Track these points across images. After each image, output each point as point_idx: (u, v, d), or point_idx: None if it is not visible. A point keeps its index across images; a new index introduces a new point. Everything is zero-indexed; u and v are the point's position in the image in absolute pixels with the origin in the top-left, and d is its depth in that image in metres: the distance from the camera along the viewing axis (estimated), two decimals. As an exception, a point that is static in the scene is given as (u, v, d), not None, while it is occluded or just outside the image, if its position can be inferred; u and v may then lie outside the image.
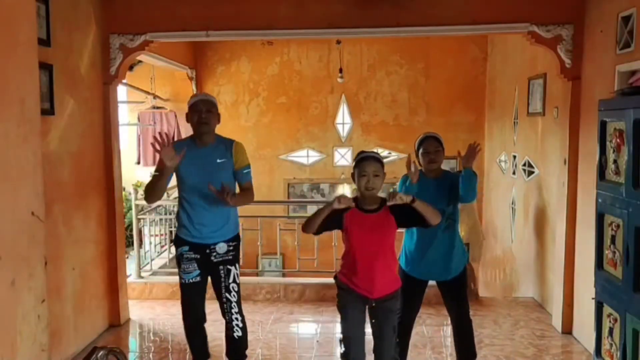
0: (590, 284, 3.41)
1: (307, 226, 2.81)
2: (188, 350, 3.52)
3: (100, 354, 1.88)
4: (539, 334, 4.45)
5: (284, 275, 6.61)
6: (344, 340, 2.90)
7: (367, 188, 2.80)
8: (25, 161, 1.65)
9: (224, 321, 3.38)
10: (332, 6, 4.44)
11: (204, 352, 3.50)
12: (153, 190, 3.23)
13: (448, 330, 4.55)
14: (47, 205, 2.01)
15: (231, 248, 3.29)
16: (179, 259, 3.31)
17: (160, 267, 6.06)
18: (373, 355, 2.98)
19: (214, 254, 3.26)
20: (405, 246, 3.49)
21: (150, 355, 4.16)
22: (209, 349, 3.56)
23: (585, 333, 4.11)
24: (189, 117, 3.22)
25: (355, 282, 2.84)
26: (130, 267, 5.45)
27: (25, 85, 1.67)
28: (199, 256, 3.27)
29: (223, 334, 3.43)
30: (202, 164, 3.18)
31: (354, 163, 2.92)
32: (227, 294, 3.29)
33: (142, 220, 6.17)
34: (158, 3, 4.52)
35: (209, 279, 3.35)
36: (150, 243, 6.41)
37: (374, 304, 2.87)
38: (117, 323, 4.66)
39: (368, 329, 2.95)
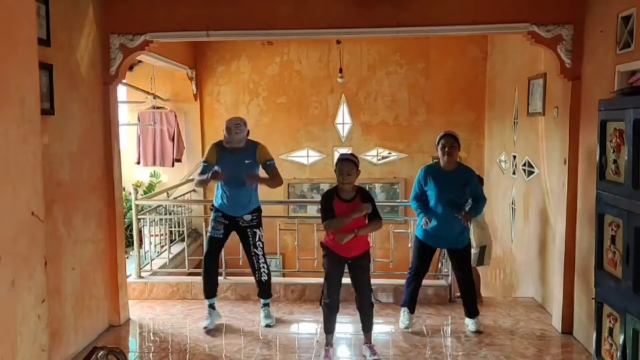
0: (590, 284, 3.42)
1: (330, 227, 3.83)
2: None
3: (100, 354, 1.88)
4: (539, 334, 4.45)
5: (283, 275, 6.61)
6: (326, 287, 3.88)
7: (343, 182, 3.78)
8: (25, 161, 1.65)
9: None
10: (332, 6, 4.44)
11: (213, 290, 4.59)
12: (203, 184, 4.60)
13: (448, 330, 4.56)
14: (47, 205, 2.01)
15: (254, 217, 4.48)
16: (213, 220, 4.49)
17: (160, 267, 6.06)
18: (355, 302, 3.94)
19: (242, 221, 4.45)
20: (421, 222, 4.35)
21: (150, 355, 4.16)
22: (216, 291, 4.66)
23: (585, 333, 4.11)
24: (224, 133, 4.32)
25: (336, 246, 3.83)
26: (130, 267, 5.45)
27: (25, 85, 1.67)
28: (227, 222, 4.47)
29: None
30: (235, 164, 4.30)
31: (335, 164, 3.84)
32: (254, 249, 4.49)
33: (142, 220, 6.16)
34: (158, 3, 4.52)
35: (227, 246, 4.62)
36: (150, 243, 6.41)
37: (350, 262, 3.88)
38: (117, 323, 4.66)
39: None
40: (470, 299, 4.45)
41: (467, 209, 4.30)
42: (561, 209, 4.41)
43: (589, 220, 3.91)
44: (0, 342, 1.53)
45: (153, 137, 8.10)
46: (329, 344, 3.96)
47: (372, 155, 8.28)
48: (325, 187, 8.46)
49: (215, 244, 4.51)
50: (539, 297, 5.23)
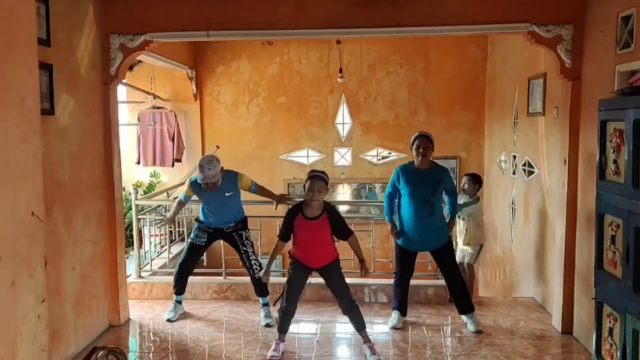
0: (590, 284, 3.42)
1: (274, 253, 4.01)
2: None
3: (100, 354, 1.88)
4: (539, 334, 4.44)
5: (284, 275, 6.60)
6: (286, 290, 3.93)
7: (312, 199, 3.79)
8: (25, 161, 1.65)
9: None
10: (332, 6, 4.44)
11: (183, 285, 4.76)
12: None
13: (448, 330, 4.56)
14: (47, 205, 2.01)
15: (239, 223, 4.64)
16: (196, 230, 4.64)
17: (160, 267, 6.06)
18: (340, 308, 3.98)
19: (226, 227, 4.61)
20: (400, 226, 4.43)
21: (150, 355, 4.15)
22: (185, 289, 4.81)
23: (585, 333, 4.11)
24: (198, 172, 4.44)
25: (301, 256, 3.93)
26: (130, 267, 5.45)
27: (25, 85, 1.67)
28: (212, 230, 4.61)
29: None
30: (217, 199, 4.51)
31: (306, 178, 3.87)
32: (243, 248, 4.61)
33: (142, 220, 6.16)
34: (158, 3, 4.52)
35: (227, 246, 4.85)
36: (150, 243, 6.40)
37: (315, 271, 3.95)
38: (117, 323, 4.66)
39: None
40: (461, 295, 4.46)
41: (447, 219, 4.49)
42: (561, 209, 4.41)
43: (589, 220, 3.91)
44: (0, 342, 1.53)
45: (153, 137, 8.09)
46: (280, 339, 4.04)
47: (372, 155, 8.28)
48: (325, 187, 8.45)
49: (195, 251, 4.66)
50: (539, 297, 5.23)
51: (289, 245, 4.00)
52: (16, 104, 1.61)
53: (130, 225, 6.24)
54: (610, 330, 3.08)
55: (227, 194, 4.46)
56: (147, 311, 5.03)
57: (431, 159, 4.38)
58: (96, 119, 4.46)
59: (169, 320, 4.70)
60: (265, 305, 4.71)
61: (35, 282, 1.67)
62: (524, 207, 5.83)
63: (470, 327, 4.43)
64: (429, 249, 4.51)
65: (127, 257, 5.52)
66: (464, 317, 4.51)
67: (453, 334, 4.46)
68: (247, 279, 4.81)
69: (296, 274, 3.94)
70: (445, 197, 4.53)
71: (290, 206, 4.22)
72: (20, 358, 1.59)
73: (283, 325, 4.01)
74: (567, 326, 4.39)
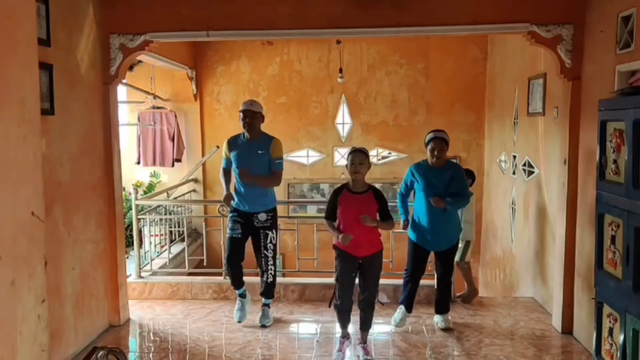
0: (590, 284, 3.42)
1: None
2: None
3: (100, 354, 1.88)
4: (539, 334, 4.44)
5: (284, 275, 6.60)
6: (339, 291, 3.84)
7: (355, 172, 3.76)
8: (25, 161, 1.65)
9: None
10: (332, 6, 4.44)
11: (239, 280, 4.61)
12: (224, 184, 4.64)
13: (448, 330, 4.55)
14: (47, 205, 2.01)
15: (269, 217, 4.47)
16: (229, 220, 4.53)
17: (160, 267, 6.06)
18: (358, 298, 3.89)
19: (256, 220, 4.44)
20: (414, 224, 4.44)
21: (150, 355, 4.16)
22: (243, 281, 4.64)
23: (585, 333, 4.11)
24: (241, 120, 4.42)
25: (347, 246, 3.77)
26: (130, 267, 5.45)
27: (25, 85, 1.67)
28: (243, 221, 4.46)
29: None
30: (247, 153, 4.39)
31: (347, 155, 3.86)
32: (264, 251, 4.48)
33: (142, 220, 6.17)
34: (158, 3, 4.52)
35: (250, 240, 4.54)
36: (150, 243, 6.41)
37: (361, 261, 3.83)
38: (117, 323, 4.66)
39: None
40: (444, 296, 4.54)
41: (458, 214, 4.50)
42: (561, 209, 4.41)
43: (589, 220, 3.91)
44: (0, 342, 1.53)
45: (153, 137, 8.10)
46: (344, 336, 3.99)
47: (372, 155, 8.27)
48: (325, 187, 8.47)
49: (235, 245, 4.49)
50: (539, 297, 5.22)
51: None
52: (16, 104, 1.61)
53: (130, 225, 6.24)
54: (610, 330, 3.08)
55: (260, 152, 4.35)
56: (147, 311, 5.03)
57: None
58: (96, 119, 4.46)
59: (238, 322, 4.62)
60: (266, 305, 4.66)
61: (35, 282, 1.67)
62: (524, 207, 5.83)
63: (440, 324, 4.53)
64: (441, 248, 4.42)
65: (127, 257, 5.53)
66: (437, 317, 4.57)
67: (453, 334, 4.46)
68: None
69: (343, 269, 3.85)
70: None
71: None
72: (20, 358, 1.59)
73: (342, 321, 3.95)
74: (567, 326, 4.39)
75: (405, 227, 4.52)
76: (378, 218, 3.81)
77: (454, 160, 4.40)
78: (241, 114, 4.39)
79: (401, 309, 4.54)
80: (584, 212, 4.10)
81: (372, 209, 3.78)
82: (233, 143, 4.49)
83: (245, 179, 4.32)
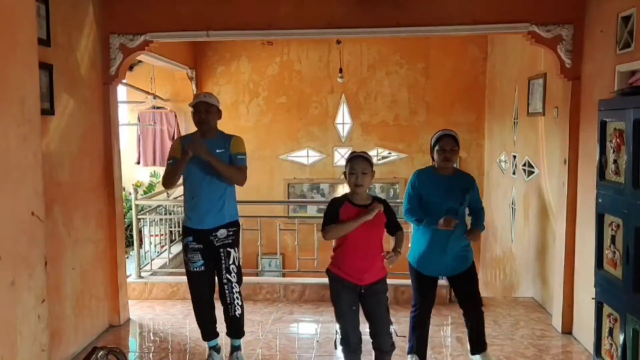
0: (590, 284, 3.41)
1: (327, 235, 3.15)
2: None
3: (100, 354, 1.88)
4: (539, 334, 4.44)
5: (284, 275, 6.61)
6: (340, 326, 3.15)
7: (356, 184, 3.06)
8: (25, 161, 1.65)
9: (221, 322, 3.77)
10: (332, 6, 4.44)
11: (210, 328, 3.80)
12: (173, 176, 3.61)
13: (448, 330, 4.55)
14: (47, 205, 2.01)
15: (231, 233, 3.64)
16: (185, 249, 3.67)
17: (160, 267, 6.06)
18: (371, 339, 3.20)
19: (215, 239, 3.60)
20: (415, 245, 3.61)
21: (150, 355, 4.16)
22: (216, 329, 3.83)
23: (585, 333, 4.11)
24: (192, 116, 3.62)
25: (345, 271, 3.11)
26: (130, 267, 5.45)
27: (25, 85, 1.67)
28: (202, 246, 3.61)
29: (222, 334, 3.78)
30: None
31: (346, 162, 3.15)
32: (227, 275, 3.60)
33: (142, 220, 6.16)
34: (158, 3, 4.52)
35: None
36: (150, 243, 6.41)
37: (363, 291, 3.12)
38: (117, 323, 4.66)
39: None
40: (479, 331, 3.63)
41: (468, 225, 3.63)
42: (561, 209, 4.41)
43: (589, 220, 3.91)
44: (0, 342, 1.53)
45: (153, 137, 8.10)
46: None
47: (372, 155, 8.23)
48: (325, 187, 8.47)
49: (199, 281, 3.67)
50: (539, 297, 5.22)
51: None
52: (16, 104, 1.61)
53: (130, 225, 6.24)
54: (610, 330, 3.08)
55: (217, 150, 3.55)
56: (147, 311, 5.03)
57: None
58: (96, 119, 4.46)
59: None
60: (237, 348, 3.82)
61: (35, 282, 1.67)
62: (524, 207, 5.82)
63: None
64: (449, 273, 3.61)
65: (127, 257, 5.52)
66: (476, 357, 3.68)
67: (453, 334, 4.46)
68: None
69: (342, 298, 3.13)
70: (469, 217, 3.68)
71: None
72: (20, 358, 1.59)
73: None
74: (567, 326, 4.39)
75: (444, 224, 3.36)
76: (386, 232, 3.22)
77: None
78: (193, 108, 3.59)
79: (413, 358, 3.63)
80: (584, 212, 4.10)
81: (379, 229, 3.15)
82: (187, 141, 3.60)
83: (201, 152, 3.42)
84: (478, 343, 3.65)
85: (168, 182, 3.64)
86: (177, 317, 4.87)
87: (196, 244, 3.60)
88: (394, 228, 3.22)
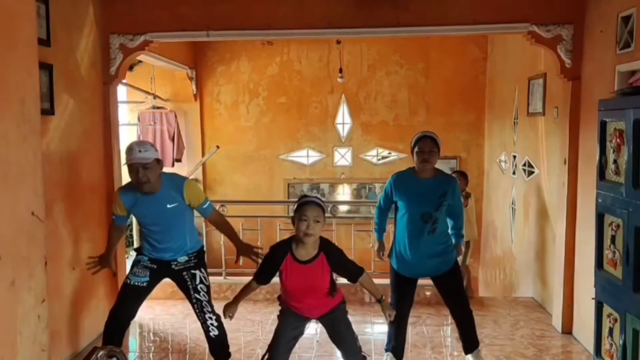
0: (590, 284, 3.41)
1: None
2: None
3: (100, 354, 1.88)
4: (539, 334, 4.44)
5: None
6: (271, 342, 2.99)
7: (306, 233, 2.80)
8: (25, 161, 1.65)
9: (229, 324, 3.49)
10: (332, 6, 4.44)
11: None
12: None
13: (448, 330, 4.55)
14: (47, 205, 2.01)
15: (192, 257, 3.46)
16: (134, 264, 3.43)
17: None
18: None
19: (175, 263, 3.42)
20: (395, 247, 3.62)
21: (150, 355, 4.15)
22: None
23: (585, 333, 4.11)
24: (129, 173, 3.23)
25: (294, 305, 2.98)
26: (130, 267, 5.45)
27: (25, 85, 1.67)
28: (155, 267, 3.41)
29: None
30: (154, 211, 3.31)
31: (295, 206, 2.91)
32: (196, 295, 3.41)
33: (142, 220, 6.15)
34: (158, 3, 4.52)
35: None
36: (150, 243, 6.39)
37: (317, 321, 3.03)
38: (117, 323, 4.65)
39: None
40: (469, 332, 3.66)
41: (452, 240, 3.64)
42: (561, 209, 4.41)
43: (589, 220, 3.91)
44: (0, 342, 1.53)
45: (153, 137, 8.09)
46: None
47: (372, 155, 8.28)
48: (325, 187, 8.47)
49: (129, 294, 3.39)
50: (539, 297, 5.22)
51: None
52: (16, 104, 1.62)
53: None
54: (610, 330, 3.08)
55: (169, 205, 3.26)
56: (147, 311, 5.02)
57: (435, 165, 3.57)
58: (96, 119, 4.46)
59: None
60: None
61: (35, 282, 1.67)
62: (524, 207, 5.82)
63: None
64: (430, 274, 3.62)
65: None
66: (468, 357, 3.70)
67: (453, 334, 4.46)
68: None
69: (286, 323, 2.99)
70: (448, 219, 3.63)
71: (258, 259, 3.33)
72: (20, 358, 1.59)
73: None
74: (567, 326, 4.39)
75: (378, 250, 3.78)
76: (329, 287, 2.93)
77: (452, 167, 3.60)
78: (128, 167, 3.20)
79: (389, 356, 3.70)
80: (584, 212, 4.10)
81: (324, 281, 2.90)
82: (129, 198, 3.31)
83: (248, 254, 3.46)
84: (468, 342, 3.68)
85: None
86: (177, 317, 4.87)
87: (150, 263, 3.39)
88: (351, 275, 2.96)
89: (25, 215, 1.64)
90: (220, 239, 5.39)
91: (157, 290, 5.29)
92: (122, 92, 7.73)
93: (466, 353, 3.71)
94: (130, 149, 3.16)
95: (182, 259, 3.42)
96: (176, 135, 8.05)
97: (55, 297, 3.78)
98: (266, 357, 2.96)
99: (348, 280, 3.02)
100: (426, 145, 3.47)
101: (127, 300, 3.41)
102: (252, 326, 4.62)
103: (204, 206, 3.41)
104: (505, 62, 6.94)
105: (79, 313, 4.14)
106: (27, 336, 1.63)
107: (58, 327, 3.81)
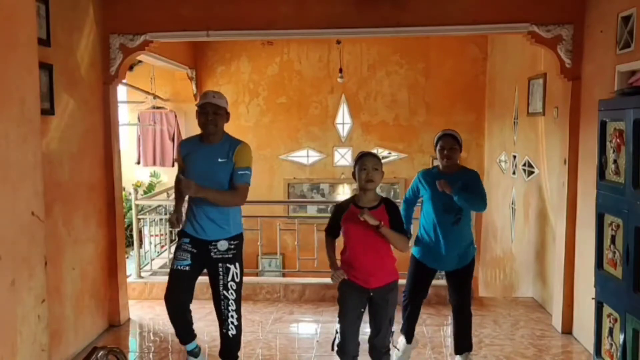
0: (590, 284, 3.41)
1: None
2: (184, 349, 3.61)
3: (100, 354, 1.88)
4: (539, 334, 4.44)
5: (284, 275, 6.61)
6: (341, 332, 3.10)
7: (368, 180, 2.98)
8: (25, 161, 1.65)
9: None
10: (332, 6, 4.43)
11: (186, 331, 3.56)
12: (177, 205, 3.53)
13: (448, 330, 4.55)
14: (47, 205, 2.01)
15: (232, 246, 3.35)
16: (177, 248, 3.40)
17: (160, 267, 6.06)
18: (368, 344, 3.18)
19: (215, 250, 3.33)
20: (419, 236, 3.76)
21: (150, 355, 4.16)
22: (194, 331, 3.60)
23: (585, 333, 4.11)
24: (197, 117, 3.31)
25: (353, 274, 3.05)
26: (130, 267, 5.45)
27: (25, 85, 1.67)
28: (196, 251, 3.35)
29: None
30: (204, 161, 3.29)
31: (354, 162, 3.08)
32: (224, 292, 3.34)
33: (142, 220, 6.16)
34: (158, 3, 4.52)
35: (207, 277, 3.44)
36: (150, 243, 6.41)
37: (372, 294, 3.05)
38: (117, 323, 4.66)
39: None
40: (463, 332, 3.71)
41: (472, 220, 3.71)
42: (561, 209, 4.41)
43: (589, 220, 3.91)
44: (0, 342, 1.53)
45: (153, 137, 8.10)
46: None
47: (372, 155, 8.28)
48: (325, 187, 8.47)
49: (179, 280, 3.37)
50: (539, 297, 5.22)
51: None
52: (16, 104, 1.61)
53: (130, 225, 6.24)
54: (610, 330, 3.08)
55: (220, 160, 3.25)
56: (147, 311, 5.03)
57: (458, 161, 3.71)
58: (96, 119, 4.46)
59: None
60: None
61: (35, 282, 1.67)
62: (524, 207, 5.82)
63: None
64: (449, 267, 3.66)
65: (127, 257, 5.53)
66: (457, 358, 3.74)
67: (453, 334, 4.45)
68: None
69: (348, 300, 3.08)
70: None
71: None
72: (20, 358, 1.59)
73: None
74: (567, 326, 4.39)
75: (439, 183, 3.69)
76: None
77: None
78: (199, 108, 3.29)
79: (402, 339, 3.84)
80: (584, 212, 4.10)
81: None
82: (187, 146, 3.41)
83: (191, 192, 3.18)
84: (460, 342, 3.71)
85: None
86: (177, 317, 4.86)
87: (191, 247, 3.34)
88: (397, 229, 3.04)
89: (25, 216, 1.64)
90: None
91: (157, 290, 5.34)
92: (122, 92, 7.73)
93: (456, 353, 3.73)
94: (205, 94, 3.31)
95: (222, 244, 3.31)
96: (176, 135, 8.05)
97: (55, 297, 3.78)
98: (337, 340, 3.09)
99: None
100: (447, 142, 3.64)
101: (177, 287, 3.39)
102: (252, 326, 4.62)
103: (243, 172, 3.28)
104: (505, 62, 6.94)
105: (79, 313, 4.14)
106: (27, 336, 1.63)
107: (58, 327, 3.81)
